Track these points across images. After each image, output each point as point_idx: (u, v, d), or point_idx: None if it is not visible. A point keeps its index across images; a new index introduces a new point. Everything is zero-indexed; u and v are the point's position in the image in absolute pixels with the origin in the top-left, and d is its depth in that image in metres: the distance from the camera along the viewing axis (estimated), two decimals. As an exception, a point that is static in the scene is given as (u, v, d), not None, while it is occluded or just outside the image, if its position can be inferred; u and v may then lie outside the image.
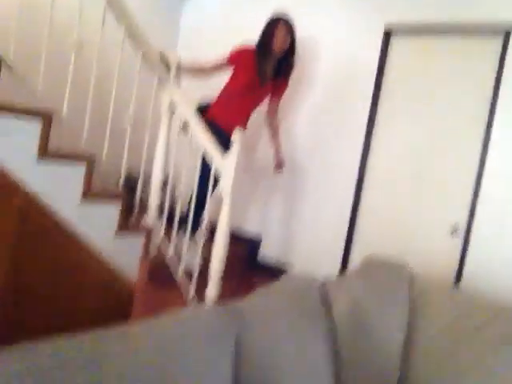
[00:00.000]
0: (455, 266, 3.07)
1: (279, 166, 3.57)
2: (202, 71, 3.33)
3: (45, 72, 2.36)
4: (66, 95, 2.46)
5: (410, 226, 3.27)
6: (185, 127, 2.84)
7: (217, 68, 3.35)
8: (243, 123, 3.33)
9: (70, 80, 2.45)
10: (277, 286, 1.81)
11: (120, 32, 2.61)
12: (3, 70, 2.20)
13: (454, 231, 3.09)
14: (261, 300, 1.68)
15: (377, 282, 2.05)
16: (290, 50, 3.31)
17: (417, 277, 2.22)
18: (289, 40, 3.26)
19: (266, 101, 3.53)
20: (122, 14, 2.60)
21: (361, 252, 3.35)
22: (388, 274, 2.16)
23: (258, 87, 3.33)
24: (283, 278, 1.91)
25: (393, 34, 3.42)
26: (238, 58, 3.31)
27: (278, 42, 3.22)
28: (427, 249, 3.17)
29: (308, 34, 3.69)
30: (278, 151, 3.57)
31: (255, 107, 3.47)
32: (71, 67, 2.44)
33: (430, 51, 3.30)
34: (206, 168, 2.72)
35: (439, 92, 3.24)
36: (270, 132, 3.62)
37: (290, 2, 3.82)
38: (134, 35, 2.69)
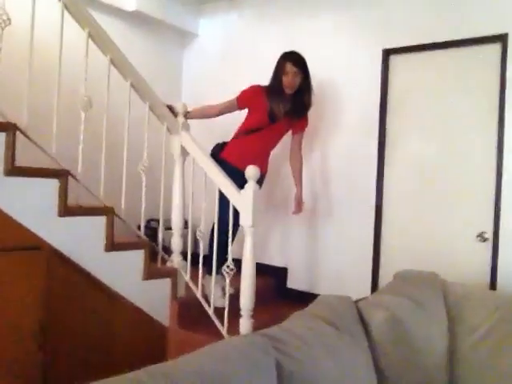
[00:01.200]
0: (488, 274, 3.00)
1: (299, 207, 3.47)
2: (209, 114, 3.38)
3: (57, 133, 2.45)
4: (80, 153, 2.54)
5: (435, 239, 3.22)
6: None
7: (225, 110, 3.36)
8: (261, 162, 3.19)
9: (82, 138, 2.54)
10: (312, 309, 1.79)
11: (126, 87, 2.73)
12: (18, 136, 2.28)
13: (481, 239, 3.04)
14: (298, 323, 1.66)
15: (411, 295, 2.02)
16: (305, 88, 3.27)
17: (450, 285, 2.19)
18: (299, 78, 3.21)
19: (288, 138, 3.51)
20: (126, 71, 2.72)
21: (389, 270, 3.26)
22: (421, 286, 2.13)
23: (272, 126, 3.29)
24: (317, 300, 1.89)
25: (392, 53, 3.48)
26: (248, 100, 3.30)
27: (289, 82, 3.19)
28: (457, 259, 3.10)
29: (310, 62, 3.73)
30: (298, 192, 3.48)
31: (272, 146, 3.44)
32: (82, 125, 2.54)
33: (430, 65, 3.34)
34: (223, 202, 2.74)
35: (446, 103, 3.24)
36: (292, 171, 3.52)
37: (288, 38, 3.96)
38: (139, 89, 2.80)
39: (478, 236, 3.05)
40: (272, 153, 3.48)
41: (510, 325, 1.87)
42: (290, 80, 3.18)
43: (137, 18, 4.16)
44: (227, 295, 2.69)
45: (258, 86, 3.30)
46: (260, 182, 3.06)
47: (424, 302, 2.00)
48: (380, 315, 1.83)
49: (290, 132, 3.47)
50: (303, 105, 3.32)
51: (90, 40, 2.55)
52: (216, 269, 2.80)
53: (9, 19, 2.16)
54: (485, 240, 3.03)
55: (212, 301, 2.78)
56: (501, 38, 3.02)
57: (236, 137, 3.38)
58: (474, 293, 2.19)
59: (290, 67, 3.17)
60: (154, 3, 4.13)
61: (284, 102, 3.25)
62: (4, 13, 2.16)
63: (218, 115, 3.38)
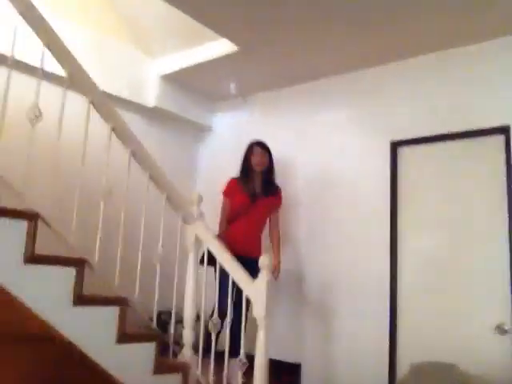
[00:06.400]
0: (510, 368, 2.87)
1: (273, 274, 3.49)
2: (224, 228, 3.66)
3: (77, 223, 2.49)
4: (98, 242, 2.56)
5: (452, 329, 3.11)
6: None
7: (226, 215, 3.72)
8: (251, 246, 3.58)
9: (100, 227, 2.58)
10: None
11: (145, 178, 2.81)
12: (41, 226, 2.31)
13: (500, 331, 2.94)
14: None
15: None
16: (271, 168, 3.78)
17: (470, 378, 2.10)
18: (267, 158, 3.73)
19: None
20: (146, 163, 2.82)
21: (406, 363, 3.15)
22: (439, 378, 2.05)
23: (254, 206, 3.64)
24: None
25: (399, 145, 3.60)
26: (231, 191, 3.72)
27: (256, 161, 3.71)
28: (476, 353, 2.99)
29: (319, 156, 4.02)
30: (274, 260, 3.65)
31: (259, 228, 3.74)
32: (101, 215, 2.58)
33: (436, 157, 3.45)
34: (224, 283, 2.74)
35: (455, 193, 3.30)
36: (271, 245, 3.79)
37: (297, 133, 4.15)
38: (157, 180, 2.88)
39: (496, 328, 2.95)
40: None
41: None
42: (259, 159, 3.71)
43: (156, 114, 4.41)
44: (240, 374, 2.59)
45: (233, 178, 3.79)
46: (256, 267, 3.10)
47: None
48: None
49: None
50: (272, 182, 3.79)
51: (112, 133, 2.68)
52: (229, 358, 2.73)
53: (41, 114, 2.28)
54: (504, 332, 2.93)
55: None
56: (503, 130, 3.14)
57: (227, 228, 3.66)
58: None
59: (256, 149, 3.74)
60: (171, 100, 4.40)
61: (255, 180, 3.73)
62: (37, 108, 2.28)
63: (228, 223, 3.69)
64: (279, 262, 3.68)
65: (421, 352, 3.16)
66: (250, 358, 2.55)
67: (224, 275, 2.79)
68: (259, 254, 3.51)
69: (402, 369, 3.23)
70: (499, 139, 3.18)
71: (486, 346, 2.99)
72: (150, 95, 4.28)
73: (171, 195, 2.94)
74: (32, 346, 2.16)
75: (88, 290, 2.44)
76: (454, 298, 3.18)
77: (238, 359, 2.59)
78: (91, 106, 2.59)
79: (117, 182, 2.64)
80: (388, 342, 3.36)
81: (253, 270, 2.71)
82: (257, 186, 3.72)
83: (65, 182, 2.51)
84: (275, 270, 3.62)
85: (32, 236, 2.20)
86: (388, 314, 3.40)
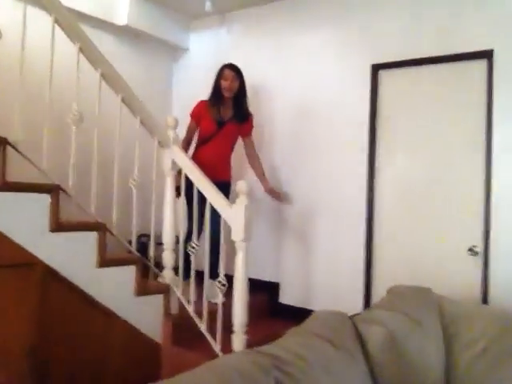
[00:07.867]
0: (479, 287, 3.02)
1: (277, 196, 3.75)
2: (186, 149, 3.50)
3: (48, 149, 2.42)
4: (71, 167, 2.52)
5: (427, 252, 3.23)
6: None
7: (191, 135, 3.60)
8: (221, 170, 3.54)
9: (73, 152, 2.52)
10: (308, 325, 1.77)
11: (117, 101, 2.72)
12: (9, 150, 2.25)
13: (472, 252, 3.05)
14: (295, 340, 1.64)
15: (407, 311, 2.01)
16: (242, 94, 3.59)
17: (445, 301, 2.19)
18: (237, 83, 3.53)
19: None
20: (117, 85, 2.71)
21: (382, 284, 3.28)
22: (416, 302, 2.13)
23: (222, 132, 3.54)
24: (312, 316, 1.87)
25: (380, 69, 3.53)
26: (199, 113, 3.57)
27: (228, 84, 3.50)
28: (448, 272, 3.12)
29: (299, 79, 3.90)
30: (267, 186, 3.71)
31: (227, 152, 3.66)
32: (73, 140, 2.52)
33: (418, 80, 3.38)
34: (214, 216, 2.74)
35: (435, 117, 3.27)
36: (254, 172, 3.77)
37: (277, 54, 4.01)
38: (130, 103, 2.79)
39: (469, 250, 3.07)
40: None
41: (506, 340, 1.88)
42: (229, 83, 3.51)
43: (127, 33, 4.17)
44: (219, 306, 2.66)
45: (202, 101, 3.59)
46: (227, 189, 3.13)
47: (420, 319, 1.99)
48: (377, 331, 1.82)
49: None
50: (243, 109, 3.62)
51: (80, 54, 2.55)
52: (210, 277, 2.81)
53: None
54: (476, 254, 3.05)
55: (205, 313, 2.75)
56: (487, 55, 3.07)
57: (196, 151, 3.58)
58: (468, 309, 2.19)
59: (228, 72, 3.53)
60: (144, 18, 4.14)
61: (225, 105, 3.56)
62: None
63: (190, 144, 3.60)
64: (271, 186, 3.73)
65: (396, 272, 3.31)
66: (229, 278, 2.61)
67: (201, 199, 2.80)
68: (228, 177, 3.62)
69: (377, 289, 3.39)
70: (482, 64, 3.11)
71: (459, 267, 3.11)
72: (121, 13, 4.01)
73: (145, 119, 2.86)
74: (15, 273, 2.19)
75: (66, 216, 2.44)
76: (430, 221, 3.25)
77: (217, 280, 2.66)
78: (56, 25, 2.43)
79: (88, 106, 2.55)
80: (363, 264, 3.48)
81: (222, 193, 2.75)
82: (226, 112, 3.57)
83: (33, 106, 2.43)
84: (276, 194, 3.74)
85: (2, 163, 2.15)
86: (364, 236, 3.49)
